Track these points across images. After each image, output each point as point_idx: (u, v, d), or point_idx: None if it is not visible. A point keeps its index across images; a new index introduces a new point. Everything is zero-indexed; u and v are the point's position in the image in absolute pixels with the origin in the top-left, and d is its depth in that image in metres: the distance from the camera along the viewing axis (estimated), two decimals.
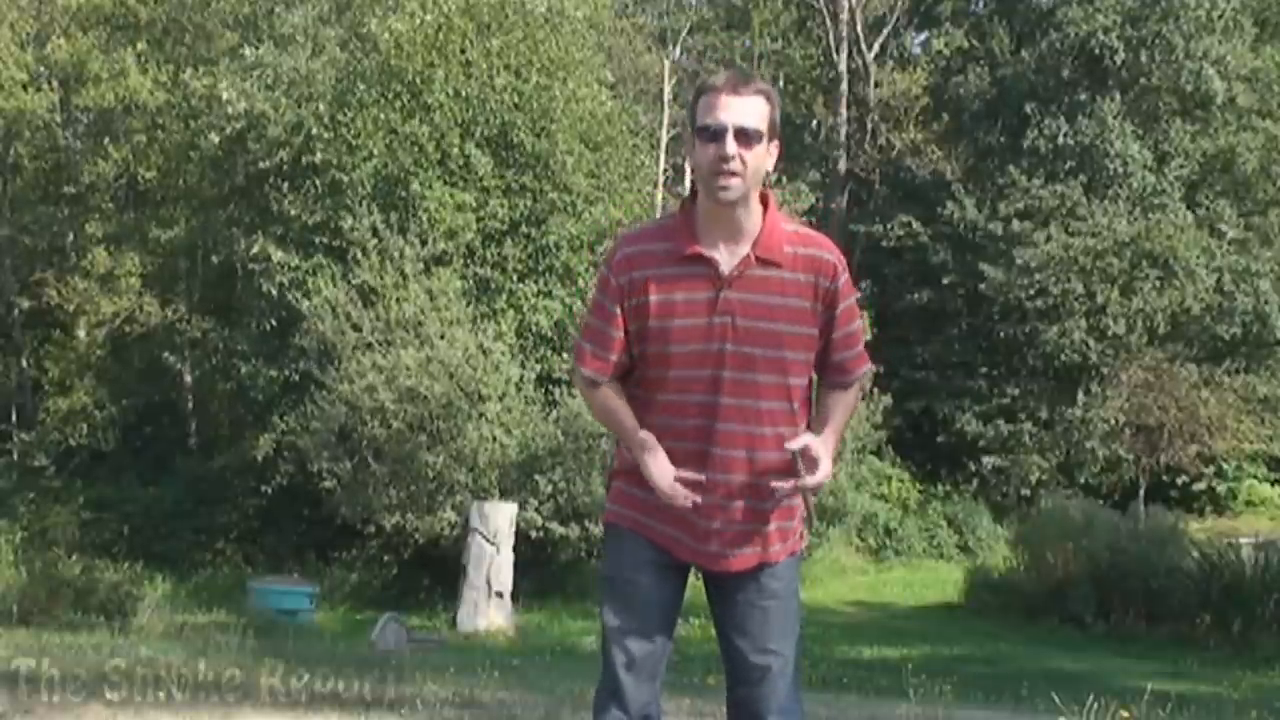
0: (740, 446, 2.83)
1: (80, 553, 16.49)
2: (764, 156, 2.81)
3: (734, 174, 2.75)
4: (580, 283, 18.84)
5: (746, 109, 2.77)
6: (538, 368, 18.27)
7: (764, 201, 2.87)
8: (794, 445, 2.78)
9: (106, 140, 23.29)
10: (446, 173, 18.97)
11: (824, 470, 2.79)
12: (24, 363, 24.71)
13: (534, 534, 16.27)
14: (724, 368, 2.81)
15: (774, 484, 2.81)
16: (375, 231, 17.91)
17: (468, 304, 18.03)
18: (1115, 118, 24.98)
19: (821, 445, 2.81)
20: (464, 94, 19.20)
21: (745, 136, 2.75)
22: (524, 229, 19.10)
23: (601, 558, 2.96)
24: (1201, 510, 24.74)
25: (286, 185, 19.68)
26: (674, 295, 2.83)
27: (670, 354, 2.83)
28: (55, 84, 23.61)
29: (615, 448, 3.07)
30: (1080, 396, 24.37)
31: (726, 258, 2.83)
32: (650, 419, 2.88)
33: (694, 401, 2.83)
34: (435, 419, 16.76)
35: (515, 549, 15.05)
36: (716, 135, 2.75)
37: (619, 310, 2.88)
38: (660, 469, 2.83)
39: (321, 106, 19.67)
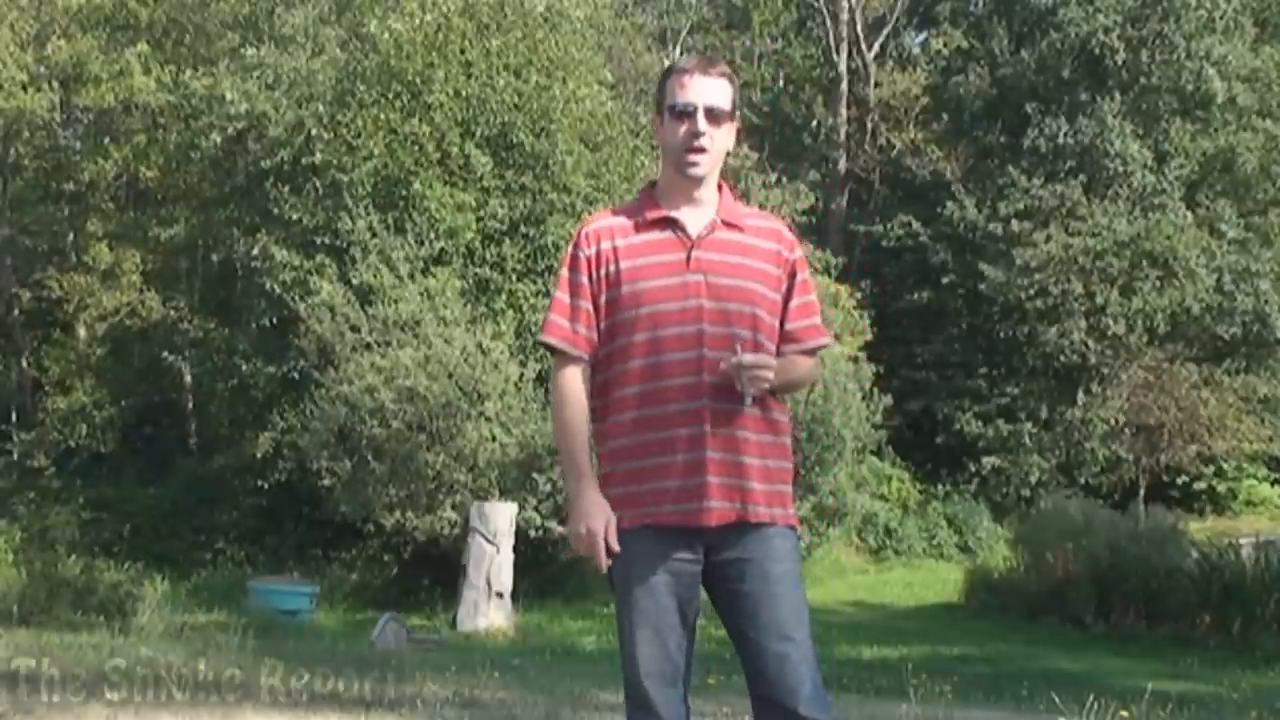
0: (726, 400, 2.81)
1: (80, 553, 16.37)
2: (728, 135, 2.94)
3: (704, 150, 2.88)
4: None
5: (715, 89, 2.89)
6: (537, 367, 18.27)
7: (719, 188, 2.98)
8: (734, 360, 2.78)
9: (107, 140, 23.30)
10: (446, 173, 18.95)
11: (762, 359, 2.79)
12: (24, 362, 24.71)
13: (534, 533, 16.26)
14: (704, 322, 2.83)
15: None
16: (373, 231, 17.91)
17: (467, 304, 18.02)
18: (1115, 118, 24.95)
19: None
20: (464, 94, 19.18)
21: (714, 115, 2.88)
22: (523, 229, 19.09)
23: (613, 568, 2.89)
24: (1201, 510, 24.73)
25: (287, 186, 19.69)
26: (644, 259, 2.88)
27: (641, 316, 2.84)
28: (55, 84, 23.58)
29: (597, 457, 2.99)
30: (1080, 397, 24.38)
31: (693, 220, 2.91)
32: (625, 391, 2.86)
33: (679, 359, 2.82)
34: (434, 418, 16.73)
35: (515, 549, 15.02)
36: (688, 114, 2.87)
37: (587, 281, 2.91)
38: (595, 504, 2.82)
39: (321, 107, 19.66)
